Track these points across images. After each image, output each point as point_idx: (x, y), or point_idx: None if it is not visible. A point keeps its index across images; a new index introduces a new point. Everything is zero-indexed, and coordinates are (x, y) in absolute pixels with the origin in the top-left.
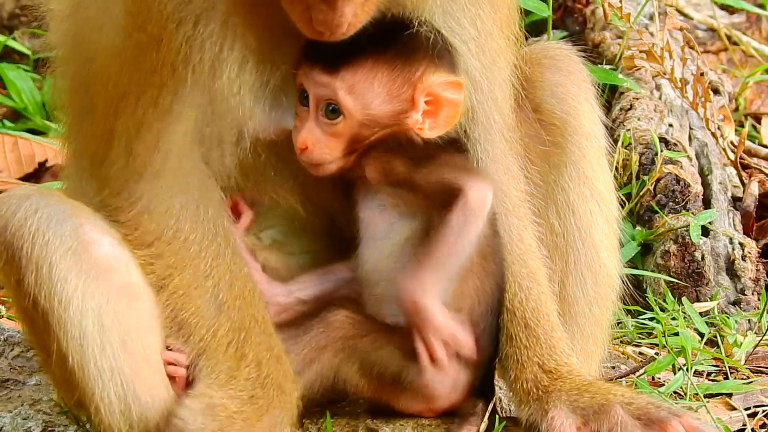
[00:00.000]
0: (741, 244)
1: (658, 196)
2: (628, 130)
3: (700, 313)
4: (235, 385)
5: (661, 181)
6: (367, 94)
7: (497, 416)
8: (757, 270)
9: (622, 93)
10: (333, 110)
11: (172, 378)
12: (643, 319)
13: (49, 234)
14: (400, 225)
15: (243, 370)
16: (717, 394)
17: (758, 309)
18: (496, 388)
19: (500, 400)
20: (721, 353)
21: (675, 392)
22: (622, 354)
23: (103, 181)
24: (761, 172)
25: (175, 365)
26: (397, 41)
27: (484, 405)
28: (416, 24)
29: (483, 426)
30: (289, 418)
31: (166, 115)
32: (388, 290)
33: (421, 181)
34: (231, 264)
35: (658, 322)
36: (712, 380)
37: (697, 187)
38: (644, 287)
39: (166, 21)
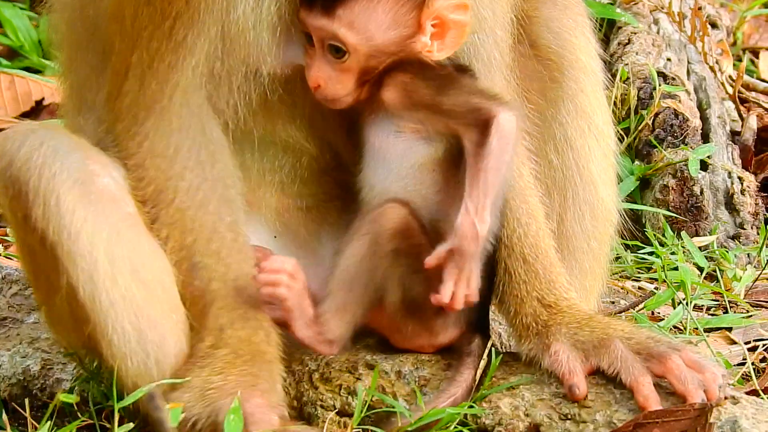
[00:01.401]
0: (740, 178)
1: (657, 130)
2: (626, 64)
3: (700, 248)
4: (216, 354)
5: (659, 116)
6: (368, 26)
7: (494, 351)
8: (755, 204)
9: (620, 27)
10: (337, 49)
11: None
12: (643, 253)
13: (56, 166)
14: (417, 149)
15: (204, 338)
16: (717, 329)
17: (757, 243)
18: (495, 324)
19: (499, 336)
20: (721, 287)
21: (675, 327)
22: (622, 289)
23: (116, 116)
24: (759, 106)
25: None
26: None
27: (480, 341)
28: None
29: (482, 363)
30: (276, 375)
31: (179, 47)
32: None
33: (448, 104)
34: (214, 214)
35: (658, 256)
36: (712, 314)
37: (695, 122)
38: (643, 222)
39: None
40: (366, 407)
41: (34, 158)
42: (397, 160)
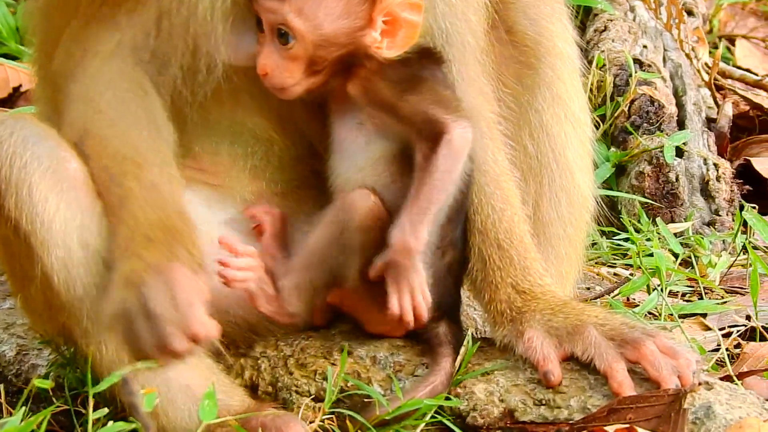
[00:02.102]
0: (715, 164)
1: (633, 117)
2: (603, 51)
3: (675, 234)
4: (117, 251)
5: (635, 103)
6: (318, 13)
7: (470, 339)
8: (731, 190)
9: (596, 14)
10: (284, 35)
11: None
12: (618, 240)
13: (27, 156)
14: (376, 142)
15: (121, 232)
16: (691, 315)
17: (732, 229)
18: (471, 310)
19: (474, 322)
20: (696, 274)
21: (650, 313)
22: (597, 275)
23: (48, 81)
24: (735, 93)
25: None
26: None
27: (449, 326)
28: None
29: (463, 350)
30: (192, 244)
31: (109, 26)
32: None
33: (406, 110)
34: (136, 139)
35: (633, 243)
36: (687, 301)
37: (671, 108)
38: (619, 208)
39: None
40: (341, 392)
41: (4, 148)
42: (359, 152)
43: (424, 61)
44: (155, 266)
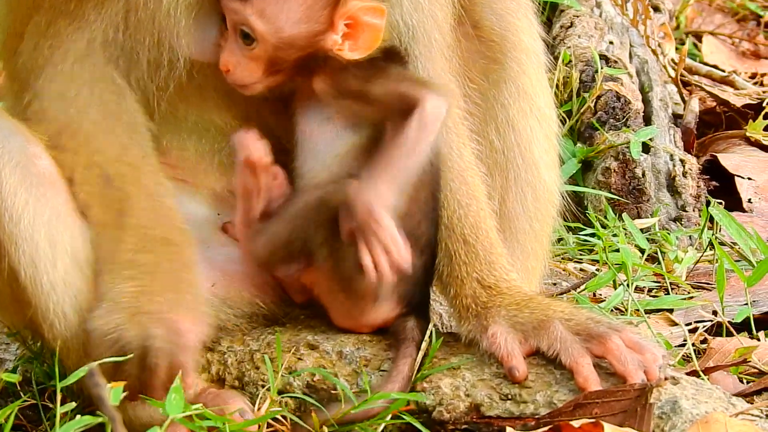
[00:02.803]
0: (682, 160)
1: (599, 113)
2: (569, 47)
3: (641, 230)
4: (119, 262)
5: (601, 98)
6: (279, 16)
7: (435, 334)
8: (697, 186)
9: (562, 11)
10: (247, 35)
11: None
12: (584, 235)
13: None
14: (344, 136)
15: (125, 238)
16: (658, 310)
17: (699, 225)
18: (436, 305)
19: (440, 316)
20: (662, 269)
21: (616, 308)
22: (564, 271)
23: (12, 76)
24: (702, 89)
25: None
26: None
27: (418, 323)
28: None
29: (424, 345)
30: (186, 266)
31: (75, 19)
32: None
33: (375, 92)
34: (126, 138)
35: (599, 238)
36: (653, 296)
37: (637, 104)
38: (585, 204)
39: None
40: (307, 386)
41: None
42: (326, 147)
43: (388, 60)
44: (163, 318)
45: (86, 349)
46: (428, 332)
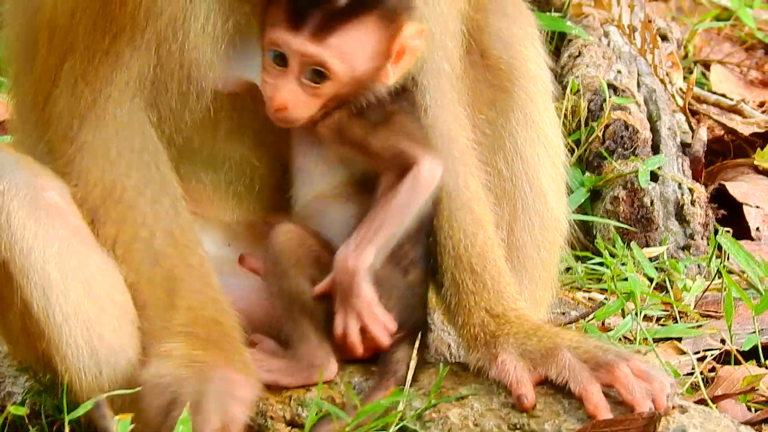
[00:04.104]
0: (690, 189)
1: (607, 142)
2: (577, 77)
3: (650, 258)
4: (175, 336)
5: (609, 127)
6: (356, 56)
7: (432, 362)
8: (706, 215)
9: (570, 40)
10: (318, 74)
11: None
12: (593, 264)
13: (4, 183)
14: (338, 170)
15: (179, 320)
16: (666, 339)
17: (707, 253)
18: (445, 334)
19: (449, 346)
20: (671, 298)
21: (624, 337)
22: (572, 300)
23: (47, 123)
24: (710, 118)
25: None
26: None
27: (409, 348)
28: None
29: (410, 375)
30: (236, 349)
31: (115, 62)
32: (321, 229)
33: (376, 146)
34: (169, 209)
35: (608, 267)
36: (662, 325)
37: (645, 133)
38: (594, 233)
39: None
40: (318, 417)
41: None
42: (319, 178)
43: (397, 98)
44: (219, 369)
45: (136, 399)
46: (411, 363)
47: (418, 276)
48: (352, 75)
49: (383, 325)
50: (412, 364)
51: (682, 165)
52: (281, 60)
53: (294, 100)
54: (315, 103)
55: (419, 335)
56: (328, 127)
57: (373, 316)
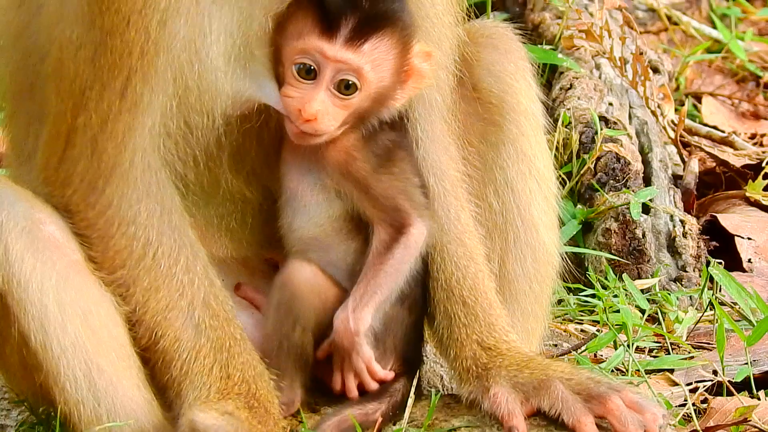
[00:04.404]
0: (682, 221)
1: (599, 174)
2: (569, 109)
3: (642, 290)
4: (229, 400)
5: (601, 160)
6: (383, 67)
7: (428, 392)
8: (697, 247)
9: (561, 73)
10: (349, 84)
11: None
12: (585, 296)
13: (3, 215)
14: (336, 201)
15: (233, 389)
16: (658, 370)
17: (699, 285)
18: (437, 366)
19: (441, 378)
20: (663, 329)
21: (617, 368)
22: (564, 332)
23: (64, 184)
24: (702, 149)
25: None
26: (400, 12)
27: (407, 381)
28: None
29: (410, 402)
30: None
31: (135, 105)
32: (319, 259)
33: (376, 191)
34: (203, 278)
35: (600, 299)
36: (654, 356)
37: (637, 165)
38: (586, 265)
39: (136, 2)
40: None
41: None
42: (317, 209)
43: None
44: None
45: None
46: (410, 401)
47: (419, 313)
48: (378, 87)
49: (381, 379)
50: (410, 402)
51: (674, 197)
52: (309, 71)
53: (324, 110)
54: (341, 116)
55: (417, 370)
56: (339, 151)
57: (372, 374)
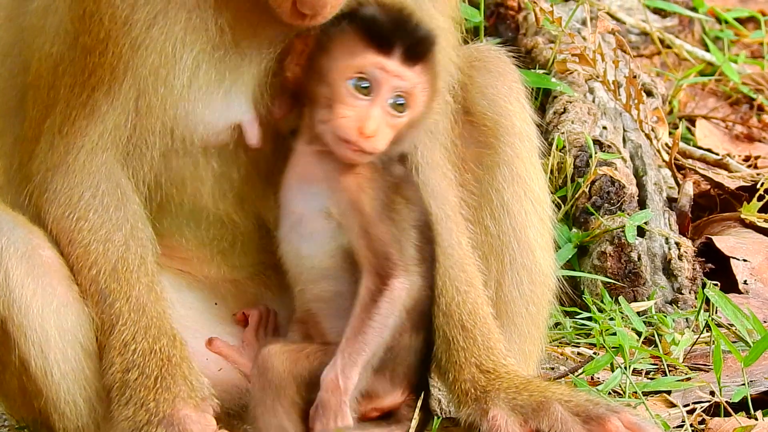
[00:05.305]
0: (677, 243)
1: (594, 197)
2: (563, 133)
3: (638, 313)
4: (113, 383)
5: (596, 183)
6: (426, 91)
7: (435, 416)
8: (693, 269)
9: (555, 97)
10: (401, 103)
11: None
12: (581, 319)
13: (2, 241)
14: (336, 235)
15: (115, 362)
16: (656, 392)
17: (695, 307)
18: (435, 390)
19: (439, 402)
20: (659, 351)
21: (614, 390)
22: (561, 355)
23: (26, 179)
24: (696, 172)
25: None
26: (435, 39)
27: (413, 407)
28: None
29: (414, 423)
30: (189, 373)
31: (91, 113)
32: (330, 290)
33: (375, 232)
34: (120, 247)
35: (596, 322)
36: (651, 378)
37: (632, 188)
38: (581, 288)
39: (116, 23)
40: None
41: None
42: (323, 238)
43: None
44: (164, 420)
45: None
46: (416, 411)
47: (426, 338)
48: (418, 110)
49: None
50: (414, 423)
51: (669, 220)
52: (365, 87)
53: (381, 128)
54: (390, 136)
55: (422, 395)
56: (352, 181)
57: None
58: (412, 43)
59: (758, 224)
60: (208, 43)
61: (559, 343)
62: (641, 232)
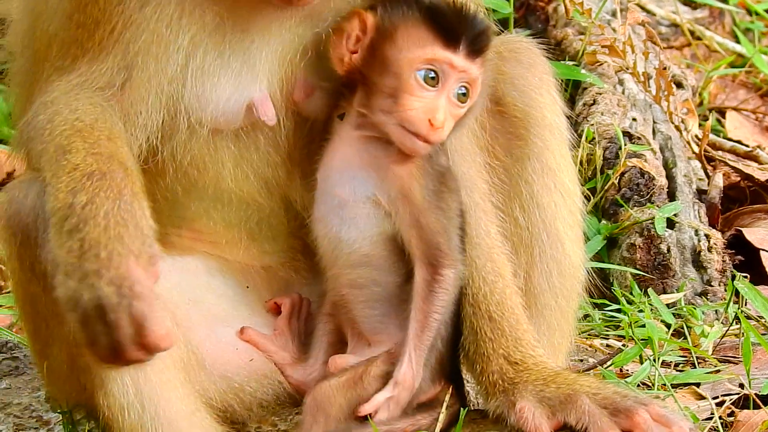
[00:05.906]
0: (707, 235)
1: (623, 189)
2: (592, 125)
3: (667, 305)
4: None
5: (625, 175)
6: (483, 84)
7: (463, 408)
8: (723, 261)
9: (585, 88)
10: (464, 94)
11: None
12: (610, 311)
13: None
14: (384, 222)
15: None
16: (685, 384)
17: (725, 299)
18: (464, 381)
19: (467, 393)
20: (689, 344)
21: (642, 383)
22: (590, 347)
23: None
24: (726, 164)
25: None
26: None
27: (452, 396)
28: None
29: (442, 416)
30: (127, 201)
31: (65, 71)
32: (369, 278)
33: (424, 222)
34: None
35: (625, 314)
36: (680, 371)
37: (661, 180)
38: (611, 280)
39: (110, 2)
40: None
41: (40, 205)
42: (366, 223)
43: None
44: (110, 273)
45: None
46: (445, 402)
47: (456, 327)
48: (474, 102)
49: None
50: (442, 416)
51: (699, 211)
52: (432, 79)
53: (447, 118)
54: (451, 125)
55: (451, 386)
56: (404, 169)
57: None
58: (474, 37)
59: None
60: (204, 26)
61: (588, 335)
62: (671, 224)
